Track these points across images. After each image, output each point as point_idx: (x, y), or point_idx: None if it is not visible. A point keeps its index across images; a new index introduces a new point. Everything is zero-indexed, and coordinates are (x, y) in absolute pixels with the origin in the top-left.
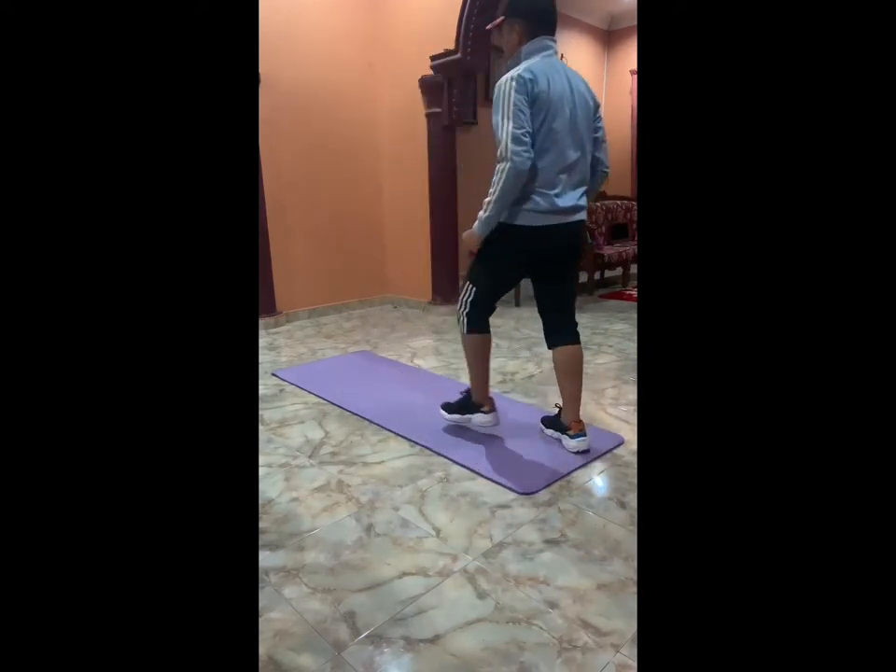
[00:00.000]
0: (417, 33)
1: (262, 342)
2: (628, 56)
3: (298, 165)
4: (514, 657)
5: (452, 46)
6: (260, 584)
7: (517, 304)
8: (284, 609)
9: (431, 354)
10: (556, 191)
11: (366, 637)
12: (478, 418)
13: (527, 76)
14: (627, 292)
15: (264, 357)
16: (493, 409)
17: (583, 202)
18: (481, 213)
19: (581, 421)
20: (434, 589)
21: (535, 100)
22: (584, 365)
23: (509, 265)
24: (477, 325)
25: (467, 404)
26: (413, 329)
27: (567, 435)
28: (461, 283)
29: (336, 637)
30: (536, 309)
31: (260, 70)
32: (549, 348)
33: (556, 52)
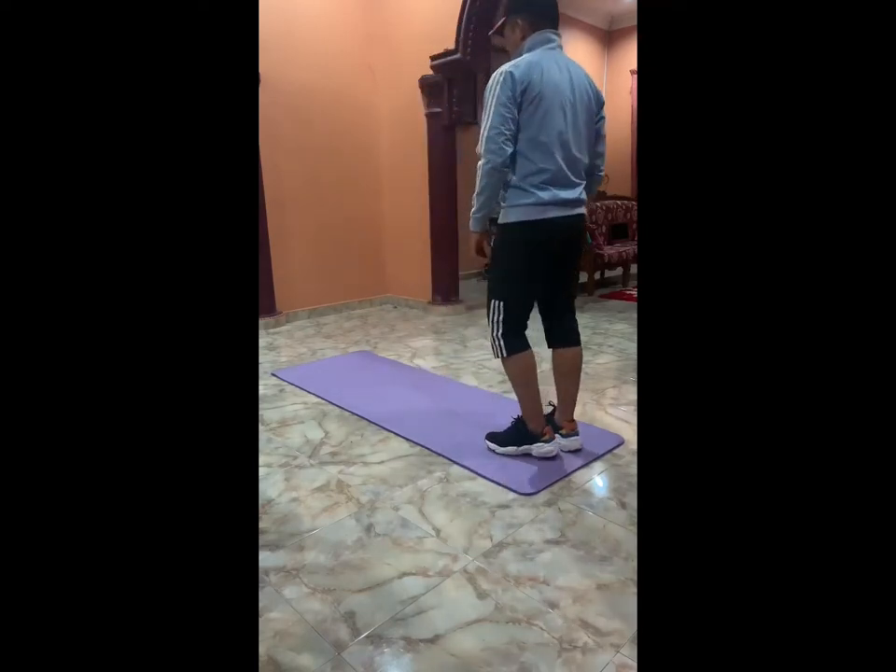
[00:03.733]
0: (417, 32)
1: (262, 342)
2: (628, 56)
3: (298, 165)
4: (514, 657)
5: (452, 46)
6: (260, 584)
7: None
8: (284, 609)
9: (431, 354)
10: (557, 184)
11: (366, 636)
12: (539, 448)
13: (516, 71)
14: (627, 292)
15: (264, 357)
16: (552, 436)
17: (584, 196)
18: (472, 210)
19: (573, 421)
20: (434, 589)
21: (524, 92)
22: (584, 365)
23: (525, 266)
24: (516, 345)
25: (522, 434)
26: (412, 329)
27: (560, 434)
28: (487, 303)
29: (336, 637)
30: (538, 309)
31: (260, 70)
32: (549, 347)
33: (559, 45)
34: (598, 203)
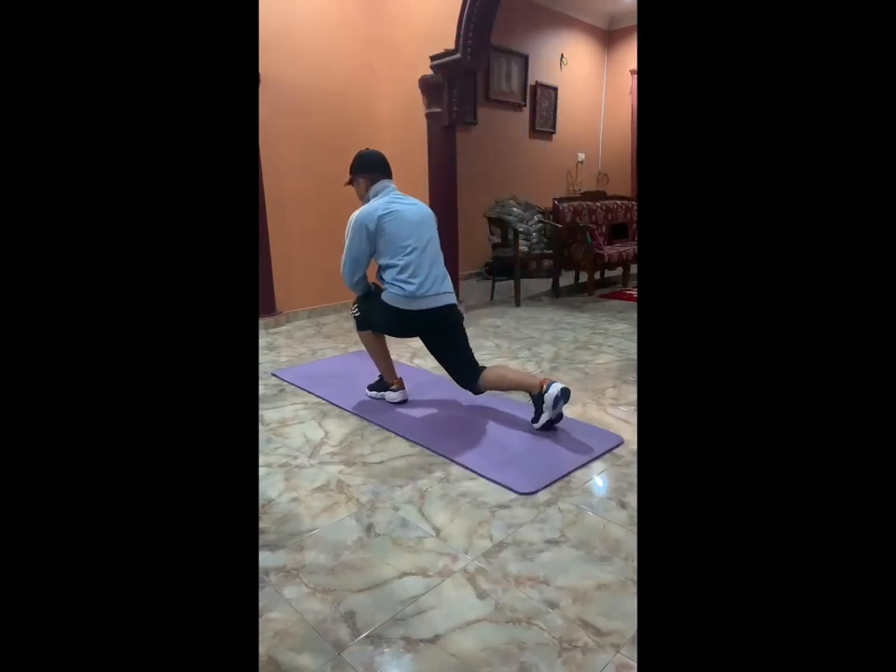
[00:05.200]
0: (417, 33)
1: (262, 342)
2: (628, 56)
3: (298, 165)
4: (514, 657)
5: (452, 46)
6: (260, 584)
7: (517, 304)
8: (284, 609)
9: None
10: (417, 281)
11: (366, 636)
12: (389, 395)
13: (369, 216)
14: (627, 292)
15: (264, 357)
16: (401, 387)
17: (447, 287)
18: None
19: (543, 380)
20: (434, 589)
21: (377, 228)
22: (584, 365)
23: (391, 327)
24: (365, 327)
25: (381, 384)
26: None
27: (542, 395)
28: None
29: (336, 637)
30: (536, 309)
31: (260, 70)
32: (476, 392)
33: (393, 187)
34: (598, 203)
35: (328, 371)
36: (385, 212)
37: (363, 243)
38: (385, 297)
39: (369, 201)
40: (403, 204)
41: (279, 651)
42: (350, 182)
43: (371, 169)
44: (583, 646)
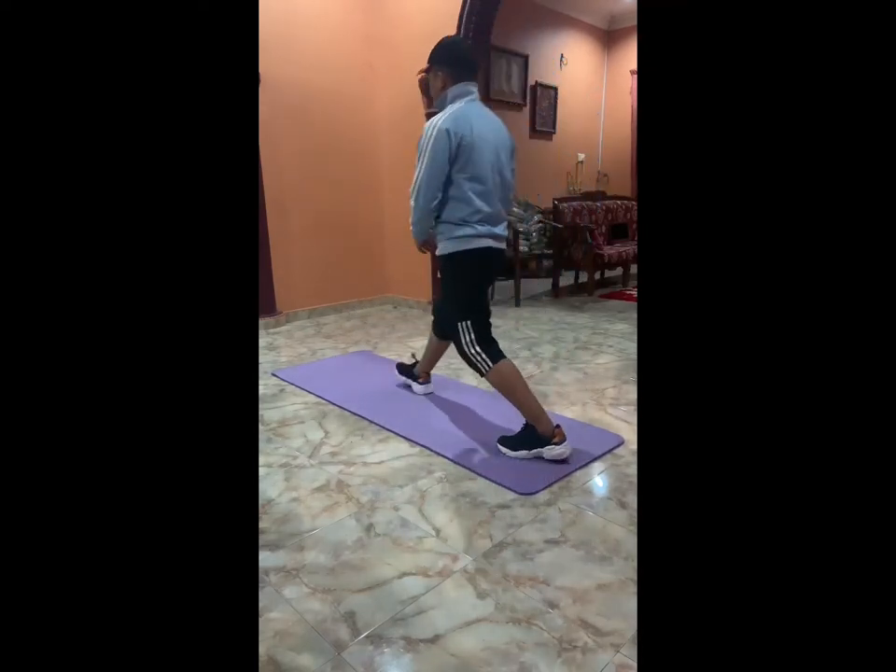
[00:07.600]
0: (417, 33)
1: (262, 342)
2: (628, 56)
3: (298, 165)
4: (514, 657)
5: None
6: (260, 584)
7: (517, 304)
8: (284, 609)
9: None
10: (490, 222)
11: (366, 636)
12: (549, 451)
13: (450, 127)
14: (627, 292)
15: (264, 357)
16: (563, 438)
17: (507, 232)
18: (412, 231)
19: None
20: (434, 589)
21: (458, 145)
22: (584, 365)
23: (475, 284)
24: (495, 355)
25: (532, 437)
26: (412, 329)
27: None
28: (453, 332)
29: (336, 637)
30: (536, 309)
31: (260, 70)
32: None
33: (477, 97)
34: (598, 203)
35: (328, 370)
36: (471, 128)
37: (442, 158)
38: (448, 248)
39: (444, 106)
40: (487, 122)
41: (279, 651)
42: (425, 72)
43: (457, 63)
44: (583, 646)
